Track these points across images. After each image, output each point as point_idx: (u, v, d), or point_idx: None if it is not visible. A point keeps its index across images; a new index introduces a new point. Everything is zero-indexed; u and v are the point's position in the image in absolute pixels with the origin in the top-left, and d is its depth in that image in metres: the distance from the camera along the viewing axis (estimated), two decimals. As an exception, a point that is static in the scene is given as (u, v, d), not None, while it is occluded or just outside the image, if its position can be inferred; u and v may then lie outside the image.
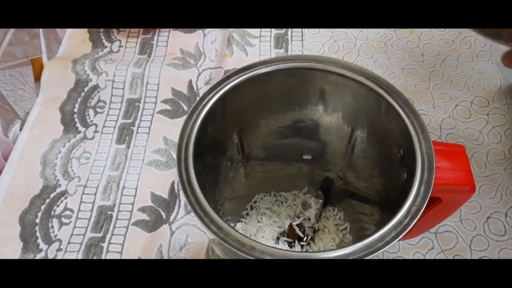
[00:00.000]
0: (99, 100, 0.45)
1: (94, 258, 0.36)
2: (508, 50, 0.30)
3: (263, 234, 0.35)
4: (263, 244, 0.22)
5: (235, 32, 0.50)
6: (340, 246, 0.35)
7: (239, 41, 0.49)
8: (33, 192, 0.39)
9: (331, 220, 0.36)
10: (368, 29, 0.50)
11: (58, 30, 0.50)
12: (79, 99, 0.45)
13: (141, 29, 0.51)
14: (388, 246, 0.22)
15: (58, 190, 0.39)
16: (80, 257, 0.36)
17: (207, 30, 0.51)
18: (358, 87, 0.28)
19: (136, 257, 0.36)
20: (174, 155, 0.34)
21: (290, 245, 0.35)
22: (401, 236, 0.22)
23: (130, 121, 0.44)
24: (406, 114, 0.26)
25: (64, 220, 0.37)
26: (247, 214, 0.37)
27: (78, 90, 0.46)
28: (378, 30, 0.50)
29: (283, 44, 0.49)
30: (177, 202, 0.38)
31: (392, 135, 0.28)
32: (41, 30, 0.47)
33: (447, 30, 0.50)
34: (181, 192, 0.35)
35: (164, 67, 0.47)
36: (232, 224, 0.36)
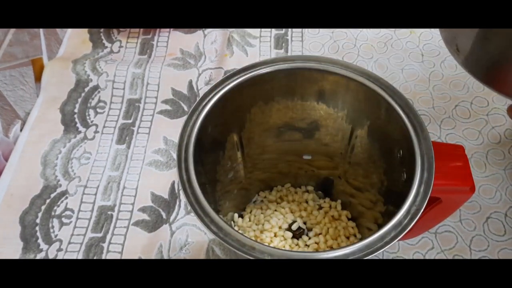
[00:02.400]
0: (99, 101, 0.45)
1: (95, 258, 0.36)
2: None
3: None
4: (263, 244, 0.22)
5: (235, 32, 0.50)
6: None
7: (239, 41, 0.49)
8: (34, 192, 0.39)
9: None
10: (368, 29, 0.50)
11: (59, 30, 0.50)
12: (79, 99, 0.45)
13: (141, 30, 0.51)
14: (388, 246, 0.22)
15: (59, 190, 0.39)
16: (80, 257, 0.36)
17: (207, 30, 0.51)
18: (358, 87, 0.28)
19: (136, 257, 0.36)
20: (174, 155, 0.34)
21: (296, 237, 0.35)
22: (400, 236, 0.22)
23: (130, 121, 0.44)
24: (406, 114, 0.26)
25: (64, 220, 0.38)
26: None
27: (78, 90, 0.46)
28: (378, 30, 0.50)
29: (283, 44, 0.50)
30: (177, 202, 0.38)
31: (392, 136, 0.28)
32: (41, 30, 0.47)
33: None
34: (181, 192, 0.35)
35: (164, 67, 0.47)
36: (236, 215, 0.36)
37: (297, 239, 0.35)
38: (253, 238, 0.34)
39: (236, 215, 0.36)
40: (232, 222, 0.36)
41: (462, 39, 0.27)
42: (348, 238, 0.35)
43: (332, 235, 0.35)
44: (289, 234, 0.35)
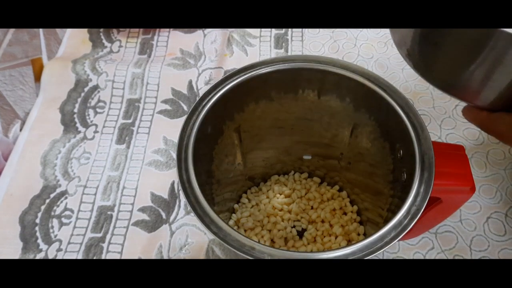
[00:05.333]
0: (99, 100, 0.45)
1: (94, 258, 0.36)
2: (467, 105, 0.28)
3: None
4: (263, 245, 0.22)
5: (235, 32, 0.50)
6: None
7: (239, 41, 0.49)
8: (33, 192, 0.39)
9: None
10: (368, 29, 0.50)
11: (58, 30, 0.50)
12: (79, 99, 0.45)
13: (141, 29, 0.51)
14: (388, 246, 0.22)
15: (58, 190, 0.39)
16: (80, 257, 0.36)
17: (207, 30, 0.51)
18: (358, 87, 0.28)
19: (136, 257, 0.36)
20: (174, 155, 0.34)
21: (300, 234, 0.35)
22: (401, 236, 0.22)
23: (130, 121, 0.44)
24: (406, 114, 0.26)
25: (64, 220, 0.37)
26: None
27: (78, 90, 0.46)
28: (378, 30, 0.50)
29: (283, 44, 0.49)
30: (177, 202, 0.38)
31: (392, 135, 0.28)
32: (41, 30, 0.47)
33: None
34: (181, 193, 0.35)
35: (164, 67, 0.47)
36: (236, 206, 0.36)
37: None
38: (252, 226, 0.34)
39: (236, 205, 0.36)
40: (230, 216, 0.36)
41: (411, 44, 0.26)
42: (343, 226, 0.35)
43: (340, 230, 0.35)
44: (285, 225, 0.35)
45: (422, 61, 0.26)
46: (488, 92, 0.25)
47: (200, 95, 0.28)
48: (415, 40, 0.25)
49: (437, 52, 0.25)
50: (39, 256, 0.36)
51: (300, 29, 0.51)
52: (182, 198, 0.39)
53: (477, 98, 0.26)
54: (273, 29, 0.51)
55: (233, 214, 0.36)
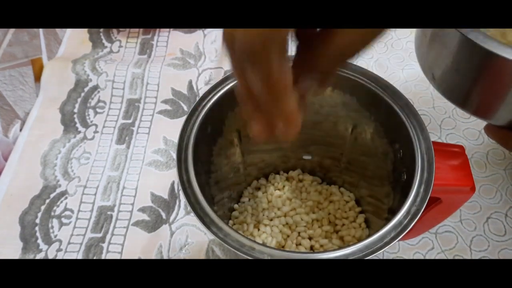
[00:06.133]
0: (99, 100, 0.45)
1: (94, 258, 0.36)
2: (488, 123, 0.30)
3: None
4: (263, 245, 0.22)
5: (235, 32, 0.50)
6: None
7: (239, 41, 0.49)
8: (33, 192, 0.39)
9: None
10: (368, 29, 0.50)
11: (58, 30, 0.50)
12: (79, 99, 0.45)
13: (141, 29, 0.51)
14: (388, 246, 0.22)
15: (58, 190, 0.39)
16: (80, 257, 0.36)
17: (207, 30, 0.51)
18: (358, 87, 0.28)
19: (136, 257, 0.36)
20: (174, 156, 0.34)
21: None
22: (400, 237, 0.22)
23: (130, 121, 0.44)
24: (406, 114, 0.26)
25: (64, 220, 0.37)
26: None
27: (78, 90, 0.46)
28: (378, 30, 0.50)
29: (283, 44, 0.49)
30: (177, 203, 0.38)
31: (392, 135, 0.28)
32: (41, 30, 0.47)
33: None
34: (181, 193, 0.35)
35: (164, 67, 0.47)
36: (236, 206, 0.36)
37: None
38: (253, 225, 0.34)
39: (236, 205, 0.36)
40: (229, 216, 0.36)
41: (436, 69, 0.28)
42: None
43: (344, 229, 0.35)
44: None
45: (445, 82, 0.28)
46: (505, 113, 0.26)
47: (200, 95, 0.28)
48: (440, 66, 0.27)
49: (458, 77, 0.27)
50: (39, 256, 0.36)
51: (300, 29, 0.51)
52: (182, 198, 0.39)
53: (496, 117, 0.27)
54: (273, 29, 0.51)
55: (233, 214, 0.36)
